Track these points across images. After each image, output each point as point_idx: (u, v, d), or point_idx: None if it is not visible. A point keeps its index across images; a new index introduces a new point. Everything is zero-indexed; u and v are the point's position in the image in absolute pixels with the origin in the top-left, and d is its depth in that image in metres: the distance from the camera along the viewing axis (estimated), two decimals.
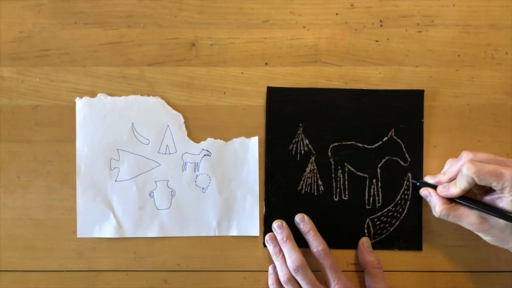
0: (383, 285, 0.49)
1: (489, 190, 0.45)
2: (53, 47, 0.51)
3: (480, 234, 0.45)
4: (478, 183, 0.43)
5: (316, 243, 0.49)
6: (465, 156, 0.46)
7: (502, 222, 0.43)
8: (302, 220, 0.51)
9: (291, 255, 0.48)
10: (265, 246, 0.51)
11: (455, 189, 0.45)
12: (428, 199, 0.48)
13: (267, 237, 0.51)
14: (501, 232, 0.44)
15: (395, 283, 0.52)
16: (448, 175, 0.47)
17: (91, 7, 0.51)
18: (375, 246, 0.51)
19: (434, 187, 0.48)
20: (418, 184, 0.50)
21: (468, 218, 0.45)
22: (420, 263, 0.52)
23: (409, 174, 0.51)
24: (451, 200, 0.46)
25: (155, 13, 0.51)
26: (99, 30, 0.51)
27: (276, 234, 0.50)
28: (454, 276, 0.52)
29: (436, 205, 0.46)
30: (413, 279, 0.52)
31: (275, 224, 0.51)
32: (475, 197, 0.46)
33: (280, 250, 0.50)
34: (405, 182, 0.51)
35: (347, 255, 0.52)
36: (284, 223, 0.51)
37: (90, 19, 0.51)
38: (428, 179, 0.49)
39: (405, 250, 0.51)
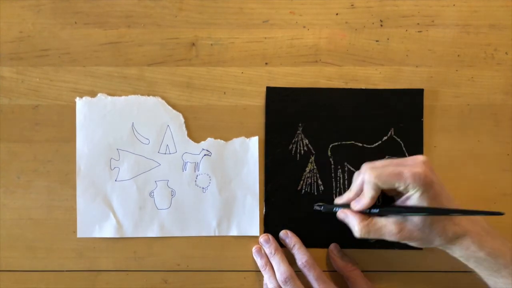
0: (364, 285, 0.49)
1: (398, 194, 0.45)
2: (53, 47, 0.51)
3: (405, 242, 0.44)
4: (382, 186, 0.43)
5: (300, 255, 0.49)
6: (365, 166, 0.45)
7: (418, 222, 0.43)
8: (286, 236, 0.51)
9: (280, 267, 0.49)
10: None
11: (365, 200, 0.44)
12: (346, 221, 0.46)
13: (254, 250, 0.51)
14: (422, 232, 0.43)
15: (395, 283, 0.52)
16: (354, 191, 0.46)
17: (91, 7, 0.51)
18: (375, 245, 0.51)
19: (347, 206, 0.47)
20: (322, 208, 0.50)
21: (387, 228, 0.44)
22: (420, 263, 0.52)
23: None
24: (367, 216, 0.45)
25: (155, 13, 0.51)
26: (99, 30, 0.51)
27: (264, 248, 0.51)
28: (454, 276, 0.52)
29: (355, 225, 0.45)
30: (413, 279, 0.52)
31: (262, 239, 0.51)
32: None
33: (267, 263, 0.50)
34: None
35: (349, 255, 0.52)
36: (271, 236, 0.51)
37: (90, 19, 0.51)
38: (337, 200, 0.49)
39: (405, 250, 0.51)
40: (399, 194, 0.44)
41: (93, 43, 0.51)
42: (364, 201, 0.44)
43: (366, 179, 0.43)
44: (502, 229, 0.52)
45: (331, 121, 0.51)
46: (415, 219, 0.43)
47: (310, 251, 0.50)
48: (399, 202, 0.44)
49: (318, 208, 0.51)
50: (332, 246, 0.51)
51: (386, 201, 0.46)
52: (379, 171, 0.42)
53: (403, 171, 0.42)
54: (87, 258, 0.52)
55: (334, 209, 0.48)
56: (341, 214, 0.47)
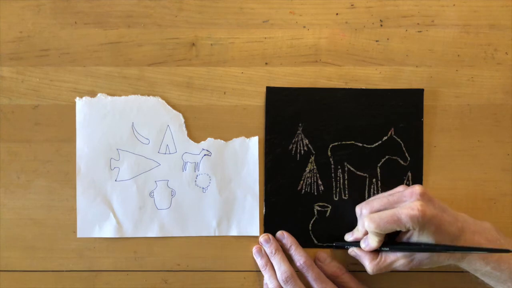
0: (355, 286, 0.50)
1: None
2: (53, 47, 0.51)
3: (416, 268, 0.46)
4: (384, 233, 0.44)
5: (298, 256, 0.50)
6: (364, 211, 0.47)
7: (426, 253, 0.45)
8: (282, 237, 0.51)
9: (280, 267, 0.49)
10: None
11: (373, 243, 0.46)
12: (357, 258, 0.49)
13: (254, 250, 0.51)
14: (430, 260, 0.45)
15: (395, 283, 0.52)
16: (361, 230, 0.48)
17: (91, 7, 0.51)
18: None
19: (357, 243, 0.49)
20: (334, 245, 0.51)
21: (398, 263, 0.46)
22: None
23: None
24: (377, 254, 0.47)
25: (155, 13, 0.51)
26: (99, 30, 0.51)
27: (264, 248, 0.51)
28: (454, 276, 0.52)
29: (366, 264, 0.47)
30: (413, 279, 0.52)
31: (262, 239, 0.51)
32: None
33: (267, 262, 0.50)
34: (405, 181, 0.52)
35: (348, 255, 0.52)
36: (271, 236, 0.51)
37: (90, 19, 0.51)
38: (347, 237, 0.50)
39: None
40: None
41: (93, 43, 0.51)
42: (372, 245, 0.46)
43: (367, 229, 0.45)
44: (503, 229, 0.51)
45: (331, 121, 0.51)
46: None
47: (310, 251, 0.51)
48: (404, 237, 0.46)
49: (330, 245, 0.52)
50: (318, 254, 0.51)
51: (391, 234, 0.46)
52: (378, 220, 0.44)
53: (401, 216, 0.43)
54: (87, 258, 0.52)
55: (345, 246, 0.50)
56: (352, 252, 0.49)
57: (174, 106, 0.52)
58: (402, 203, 0.45)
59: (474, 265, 0.45)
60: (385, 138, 0.52)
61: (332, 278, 0.50)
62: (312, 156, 0.52)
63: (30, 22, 0.51)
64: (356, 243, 0.49)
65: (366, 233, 0.47)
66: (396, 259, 0.46)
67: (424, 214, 0.42)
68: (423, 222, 0.42)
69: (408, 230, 0.44)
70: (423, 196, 0.44)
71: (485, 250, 0.43)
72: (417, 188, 0.44)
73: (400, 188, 0.47)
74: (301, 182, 0.52)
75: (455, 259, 0.45)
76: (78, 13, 0.51)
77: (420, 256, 0.45)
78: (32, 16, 0.51)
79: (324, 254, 0.51)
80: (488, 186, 0.52)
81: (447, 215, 0.44)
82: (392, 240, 0.47)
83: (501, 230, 0.47)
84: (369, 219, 0.44)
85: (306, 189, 0.52)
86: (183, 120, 0.52)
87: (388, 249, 0.46)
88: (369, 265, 0.47)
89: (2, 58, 0.51)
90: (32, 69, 0.51)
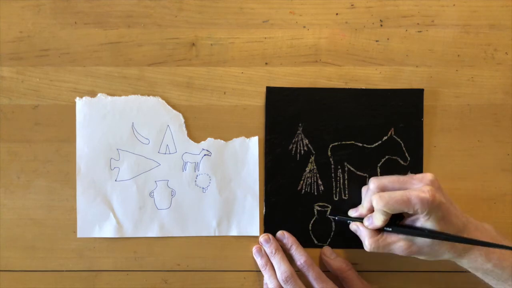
0: (360, 285, 0.50)
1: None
2: (53, 47, 0.51)
3: (414, 256, 0.46)
4: (392, 212, 0.44)
5: (298, 256, 0.50)
6: (372, 185, 0.46)
7: (428, 239, 0.44)
8: (283, 237, 0.51)
9: (281, 267, 0.49)
10: None
11: (378, 221, 0.45)
12: (358, 233, 0.48)
13: (254, 249, 0.51)
14: (431, 249, 0.44)
15: (395, 283, 0.52)
16: (366, 207, 0.47)
17: (91, 7, 0.51)
18: None
19: (360, 219, 0.48)
20: (336, 219, 0.51)
21: (397, 244, 0.45)
22: (420, 263, 0.52)
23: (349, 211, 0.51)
24: (378, 232, 0.46)
25: (155, 13, 0.51)
26: (99, 30, 0.51)
27: (264, 248, 0.51)
28: (454, 276, 0.52)
29: (365, 240, 0.47)
30: (413, 279, 0.52)
31: (262, 239, 0.51)
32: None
33: (267, 262, 0.50)
34: None
35: (349, 255, 0.52)
36: (271, 236, 0.51)
37: (90, 19, 0.51)
38: (351, 213, 0.50)
39: None
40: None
41: (93, 43, 0.51)
42: (377, 223, 0.45)
43: (375, 206, 0.44)
44: (503, 229, 0.52)
45: (331, 121, 0.51)
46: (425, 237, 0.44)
47: (310, 251, 0.51)
48: (408, 221, 0.45)
49: (332, 217, 0.51)
50: (325, 249, 0.51)
51: (395, 217, 0.46)
52: (387, 199, 0.43)
53: (411, 197, 0.42)
54: (87, 258, 0.52)
55: (347, 220, 0.50)
56: (354, 226, 0.49)
57: (174, 106, 0.52)
58: (412, 185, 0.44)
59: (475, 261, 0.44)
60: (385, 138, 0.52)
61: (337, 273, 0.50)
62: (312, 156, 0.52)
63: (30, 22, 0.51)
64: (360, 219, 0.48)
65: (370, 211, 0.47)
66: (397, 240, 0.45)
67: (434, 198, 0.42)
68: (432, 206, 0.42)
69: (414, 213, 0.44)
70: (434, 183, 0.44)
71: (488, 244, 0.43)
72: (428, 175, 0.44)
73: (410, 175, 0.47)
74: (301, 182, 0.52)
75: (456, 252, 0.44)
76: (78, 13, 0.51)
77: (421, 242, 0.44)
78: (32, 16, 0.51)
79: (330, 249, 0.51)
80: (488, 186, 0.52)
81: (453, 207, 0.44)
82: (394, 222, 0.46)
83: (501, 230, 0.47)
84: (379, 197, 0.43)
85: (306, 189, 0.52)
86: (183, 120, 0.52)
87: (391, 229, 0.45)
88: (368, 241, 0.46)
89: (2, 58, 0.51)
90: (32, 69, 0.51)
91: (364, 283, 0.50)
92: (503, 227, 0.52)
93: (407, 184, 0.45)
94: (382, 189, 0.45)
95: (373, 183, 0.46)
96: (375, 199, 0.44)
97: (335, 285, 0.49)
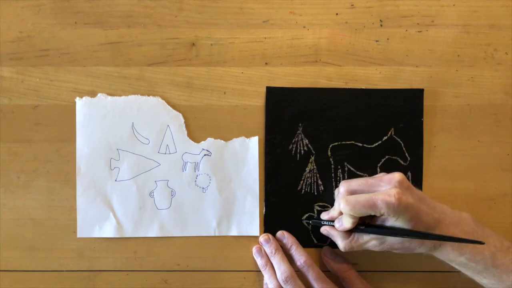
0: (360, 285, 0.50)
1: None
2: (53, 47, 0.51)
3: (388, 251, 0.46)
4: (359, 216, 0.44)
5: (298, 256, 0.50)
6: (341, 188, 0.46)
7: (398, 237, 0.44)
8: (283, 237, 0.51)
9: (280, 267, 0.49)
10: None
11: (347, 224, 0.45)
12: (330, 236, 0.49)
13: (254, 249, 0.51)
14: (401, 245, 0.45)
15: (395, 283, 0.52)
16: (337, 210, 0.47)
17: (91, 7, 0.51)
18: None
19: (332, 222, 0.48)
20: (310, 222, 0.51)
21: (369, 243, 0.46)
22: (420, 263, 0.52)
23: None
24: (350, 233, 0.47)
25: (155, 13, 0.51)
26: (99, 30, 0.51)
27: (264, 248, 0.51)
28: (454, 276, 0.52)
29: (338, 241, 0.47)
30: (413, 279, 0.52)
31: (262, 239, 0.51)
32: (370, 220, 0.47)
33: (267, 262, 0.50)
34: None
35: (349, 255, 0.52)
36: (271, 236, 0.51)
37: (90, 19, 0.51)
38: (323, 216, 0.50)
39: None
40: None
41: (93, 43, 0.51)
42: (346, 225, 0.46)
43: (342, 210, 0.45)
44: (503, 229, 0.52)
45: (331, 121, 0.51)
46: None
47: (310, 251, 0.51)
48: (379, 220, 0.45)
49: (306, 222, 0.52)
50: (325, 249, 0.52)
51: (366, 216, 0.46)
52: (353, 203, 0.43)
53: (376, 202, 0.42)
54: (87, 258, 0.52)
55: (310, 222, 0.51)
56: (324, 231, 0.49)
57: (174, 106, 0.52)
58: (380, 188, 0.44)
59: (448, 255, 0.45)
60: (385, 138, 0.52)
61: (338, 273, 0.50)
62: (312, 156, 0.52)
63: (30, 22, 0.51)
64: (331, 222, 0.48)
65: (341, 213, 0.47)
66: (369, 239, 0.46)
67: (400, 201, 0.42)
68: (398, 209, 0.42)
69: (382, 215, 0.44)
70: (402, 184, 0.43)
71: (456, 240, 0.43)
72: (396, 175, 0.44)
73: (381, 174, 0.47)
74: (301, 182, 0.52)
75: (427, 247, 0.45)
76: (78, 13, 0.51)
77: (391, 240, 0.45)
78: (32, 16, 0.51)
79: (330, 249, 0.51)
80: (488, 186, 0.52)
81: (424, 205, 0.44)
82: (365, 221, 0.46)
83: (501, 230, 0.47)
84: (345, 201, 0.44)
85: (306, 189, 0.52)
86: (183, 120, 0.52)
87: (363, 227, 0.46)
88: (341, 243, 0.47)
89: (2, 58, 0.51)
90: (32, 69, 0.51)
91: (364, 283, 0.50)
92: (503, 227, 0.52)
93: (375, 187, 0.45)
94: (351, 193, 0.45)
95: (342, 186, 0.46)
96: (342, 203, 0.44)
97: (335, 285, 0.49)
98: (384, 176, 0.45)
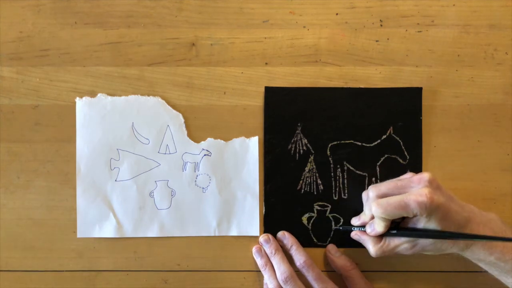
0: (363, 285, 0.50)
1: None
2: (53, 47, 0.51)
3: (419, 253, 0.46)
4: (391, 218, 0.44)
5: (298, 256, 0.50)
6: (371, 193, 0.46)
7: (430, 239, 0.45)
8: (283, 237, 0.51)
9: (280, 267, 0.49)
10: None
11: (379, 228, 0.46)
12: (361, 241, 0.49)
13: (254, 249, 0.51)
14: (433, 246, 0.45)
15: (395, 283, 0.52)
16: (368, 214, 0.48)
17: (91, 7, 0.51)
18: None
19: (363, 227, 0.48)
20: (341, 229, 0.51)
21: (401, 247, 0.46)
22: (420, 263, 0.52)
23: (340, 226, 0.52)
24: (380, 238, 0.47)
25: (155, 13, 0.51)
26: (99, 30, 0.51)
27: (264, 248, 0.51)
28: (454, 276, 0.52)
29: (370, 247, 0.47)
30: (413, 279, 0.52)
31: (262, 239, 0.51)
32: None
33: (267, 262, 0.50)
34: None
35: (349, 254, 0.52)
36: (271, 236, 0.51)
37: (90, 19, 0.51)
38: (354, 221, 0.50)
39: None
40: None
41: (93, 43, 0.51)
42: (379, 229, 0.46)
43: (374, 214, 0.45)
44: None
45: (330, 121, 0.51)
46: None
47: (310, 251, 0.50)
48: (410, 222, 0.45)
49: (338, 227, 0.51)
50: (330, 246, 0.51)
51: (397, 219, 0.46)
52: (385, 206, 0.43)
53: (409, 202, 0.42)
54: (87, 258, 0.52)
55: (340, 228, 0.51)
56: (355, 236, 0.49)
57: (174, 106, 0.52)
58: (410, 189, 0.44)
59: (478, 254, 0.45)
60: (384, 137, 0.52)
61: (341, 271, 0.50)
62: (311, 155, 0.52)
63: (30, 22, 0.51)
64: (363, 227, 0.48)
65: (372, 217, 0.47)
66: (400, 243, 0.46)
67: (432, 201, 0.42)
68: (430, 209, 0.42)
69: (414, 216, 0.44)
70: (432, 183, 0.43)
71: (489, 238, 0.43)
72: (425, 175, 0.44)
73: (408, 175, 0.47)
74: (301, 181, 0.52)
75: (459, 247, 0.45)
76: (78, 13, 0.51)
77: (423, 241, 0.45)
78: (32, 16, 0.51)
79: (334, 247, 0.51)
80: (488, 186, 0.52)
81: (454, 204, 0.44)
82: (396, 224, 0.46)
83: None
84: (377, 204, 0.44)
85: (306, 189, 0.52)
86: (183, 120, 0.52)
87: (393, 233, 0.46)
88: (372, 248, 0.47)
89: (2, 58, 0.51)
90: (32, 69, 0.51)
91: (367, 282, 0.50)
92: None
93: (405, 188, 0.45)
94: (381, 196, 0.45)
95: (372, 191, 0.46)
96: (374, 206, 0.44)
97: (335, 285, 0.49)
98: (413, 177, 0.45)
